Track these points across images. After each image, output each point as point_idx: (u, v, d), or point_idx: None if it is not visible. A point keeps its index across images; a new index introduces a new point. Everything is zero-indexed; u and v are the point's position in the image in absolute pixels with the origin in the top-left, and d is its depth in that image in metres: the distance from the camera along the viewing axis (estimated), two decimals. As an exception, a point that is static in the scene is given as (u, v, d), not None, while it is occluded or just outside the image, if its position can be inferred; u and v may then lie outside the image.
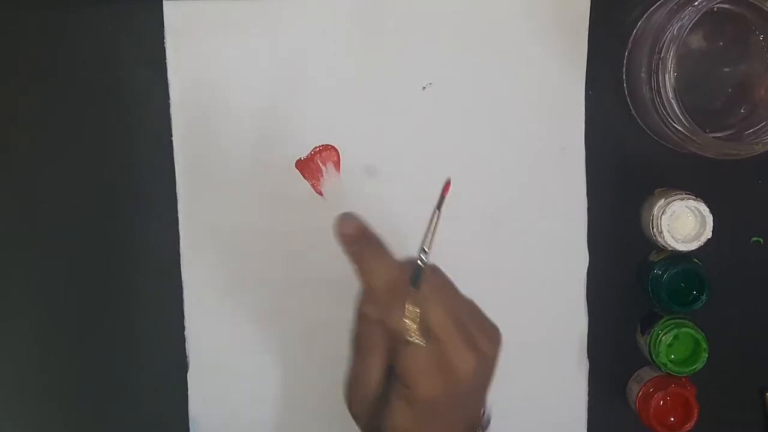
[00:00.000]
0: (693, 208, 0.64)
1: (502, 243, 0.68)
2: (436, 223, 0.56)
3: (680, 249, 0.64)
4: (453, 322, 0.52)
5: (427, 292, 0.53)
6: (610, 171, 0.68)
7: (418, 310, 0.52)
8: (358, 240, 0.55)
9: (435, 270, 0.55)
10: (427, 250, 0.55)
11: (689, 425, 0.65)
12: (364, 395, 0.54)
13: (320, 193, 0.67)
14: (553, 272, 0.67)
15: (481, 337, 0.53)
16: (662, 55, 0.60)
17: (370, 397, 0.54)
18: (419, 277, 0.54)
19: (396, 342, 0.53)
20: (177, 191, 0.67)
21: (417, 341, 0.52)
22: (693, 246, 0.64)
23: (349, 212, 0.57)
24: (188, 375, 0.68)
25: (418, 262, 0.54)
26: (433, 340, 0.52)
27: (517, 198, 0.67)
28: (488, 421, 0.58)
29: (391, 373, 0.54)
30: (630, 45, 0.66)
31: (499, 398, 0.63)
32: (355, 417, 0.56)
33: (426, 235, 0.55)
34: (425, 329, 0.52)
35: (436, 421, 0.53)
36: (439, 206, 0.56)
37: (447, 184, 0.56)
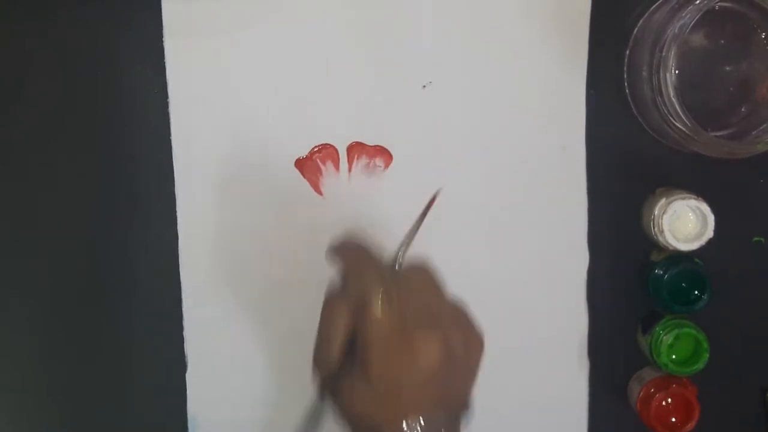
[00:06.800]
0: (694, 207, 0.64)
1: (501, 242, 0.67)
2: (414, 233, 0.56)
3: (681, 249, 0.64)
4: (424, 309, 0.52)
5: (406, 280, 0.53)
6: (611, 170, 0.67)
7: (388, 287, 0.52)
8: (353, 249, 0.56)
9: (422, 267, 0.55)
10: (401, 260, 0.55)
11: (690, 426, 0.65)
12: (326, 360, 0.54)
13: (320, 193, 0.67)
14: (553, 272, 0.66)
15: (455, 334, 0.53)
16: (663, 53, 0.60)
17: (333, 364, 0.54)
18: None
19: (359, 314, 0.52)
20: (176, 191, 0.67)
21: (378, 311, 0.51)
22: (694, 246, 0.64)
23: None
24: (187, 375, 0.68)
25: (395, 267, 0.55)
26: (398, 318, 0.52)
27: (517, 197, 0.67)
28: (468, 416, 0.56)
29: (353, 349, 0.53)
30: (631, 44, 0.65)
31: (499, 398, 0.63)
32: (316, 377, 0.55)
33: (403, 243, 0.56)
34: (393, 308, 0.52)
35: (396, 403, 0.52)
36: (423, 215, 0.56)
37: (434, 197, 0.56)
